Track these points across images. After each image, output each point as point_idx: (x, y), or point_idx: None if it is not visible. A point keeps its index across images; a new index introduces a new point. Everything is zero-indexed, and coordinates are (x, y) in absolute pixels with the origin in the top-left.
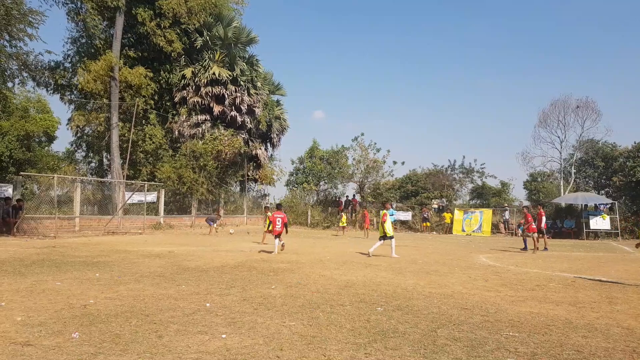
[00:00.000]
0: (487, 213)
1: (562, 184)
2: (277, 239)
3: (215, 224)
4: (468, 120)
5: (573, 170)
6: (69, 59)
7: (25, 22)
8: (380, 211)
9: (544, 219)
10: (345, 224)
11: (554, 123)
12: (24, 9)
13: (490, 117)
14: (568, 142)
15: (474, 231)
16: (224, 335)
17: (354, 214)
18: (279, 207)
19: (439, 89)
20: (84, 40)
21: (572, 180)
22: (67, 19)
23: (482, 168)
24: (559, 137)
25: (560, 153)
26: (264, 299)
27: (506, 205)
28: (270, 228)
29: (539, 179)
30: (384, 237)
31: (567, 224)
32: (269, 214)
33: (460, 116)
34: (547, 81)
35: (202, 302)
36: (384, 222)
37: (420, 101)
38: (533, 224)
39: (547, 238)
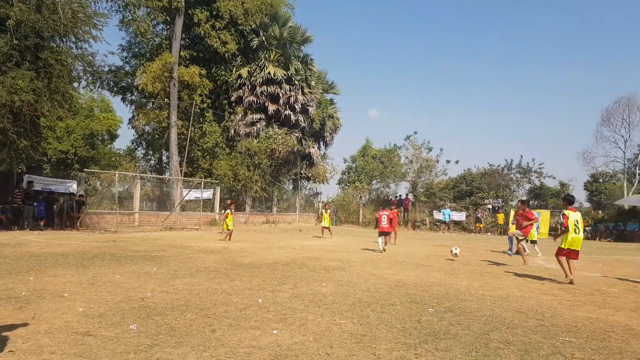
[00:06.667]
0: (545, 214)
1: (625, 185)
2: (381, 237)
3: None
4: (526, 119)
5: (638, 171)
6: (128, 60)
7: (90, 25)
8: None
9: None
10: (328, 225)
11: (618, 122)
12: (89, 11)
13: (549, 115)
14: (633, 141)
15: None
16: (275, 331)
17: (406, 214)
18: (386, 204)
19: (496, 86)
20: (142, 44)
21: (637, 182)
22: (119, 27)
23: (541, 168)
24: (622, 136)
25: (624, 153)
26: (315, 297)
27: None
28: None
29: (601, 180)
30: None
31: (631, 226)
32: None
33: (518, 114)
34: (610, 78)
35: (255, 297)
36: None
37: (476, 99)
38: (532, 223)
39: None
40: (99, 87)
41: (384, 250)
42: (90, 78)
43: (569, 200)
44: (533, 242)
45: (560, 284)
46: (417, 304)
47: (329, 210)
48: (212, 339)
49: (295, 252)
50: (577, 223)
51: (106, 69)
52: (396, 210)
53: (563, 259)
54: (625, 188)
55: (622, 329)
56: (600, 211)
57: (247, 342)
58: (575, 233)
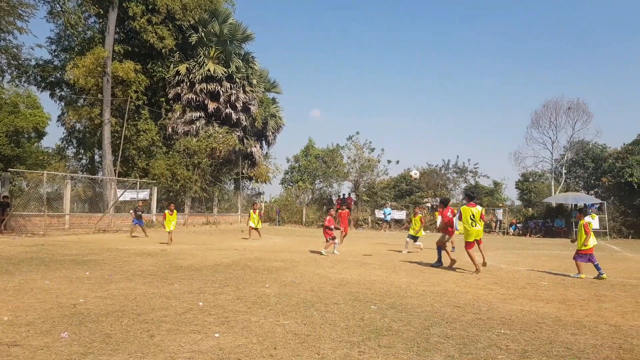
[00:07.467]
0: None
1: (553, 184)
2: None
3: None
4: (463, 120)
5: (564, 171)
6: (57, 54)
7: (14, 15)
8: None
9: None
10: (258, 226)
11: (546, 124)
12: (14, 1)
13: (484, 117)
14: (559, 143)
15: None
16: (217, 335)
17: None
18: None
19: (434, 89)
20: (72, 37)
21: (563, 181)
22: (47, 18)
23: (476, 168)
24: (550, 138)
25: (552, 154)
26: (258, 298)
27: (501, 205)
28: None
29: (531, 179)
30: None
31: (558, 223)
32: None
33: (455, 116)
34: (540, 82)
35: (195, 301)
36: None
37: (416, 101)
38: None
39: (538, 237)
40: (24, 82)
41: (325, 254)
42: (15, 72)
43: (468, 196)
44: (415, 237)
45: (494, 277)
46: (360, 302)
47: (257, 210)
48: (150, 344)
49: (237, 254)
50: (473, 217)
51: (33, 62)
52: (347, 210)
53: (471, 250)
54: (553, 187)
55: (551, 320)
56: (530, 209)
57: (188, 346)
58: (472, 226)
